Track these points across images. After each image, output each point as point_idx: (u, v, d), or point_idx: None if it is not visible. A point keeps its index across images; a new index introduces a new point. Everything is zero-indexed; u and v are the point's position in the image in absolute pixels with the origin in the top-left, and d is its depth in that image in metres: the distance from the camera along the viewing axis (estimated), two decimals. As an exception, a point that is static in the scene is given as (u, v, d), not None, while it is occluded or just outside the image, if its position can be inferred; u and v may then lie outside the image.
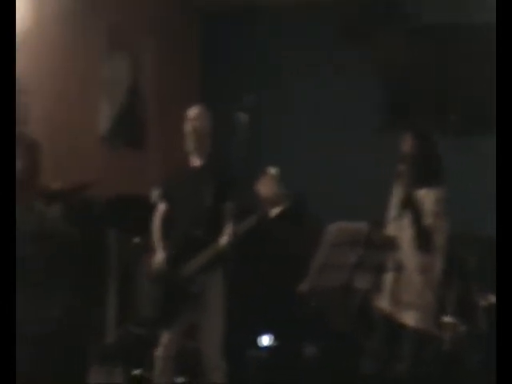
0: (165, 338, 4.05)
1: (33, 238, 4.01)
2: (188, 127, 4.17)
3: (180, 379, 4.40)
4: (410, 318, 3.73)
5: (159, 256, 4.12)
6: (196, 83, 6.79)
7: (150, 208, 4.57)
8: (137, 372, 4.47)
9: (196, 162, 4.21)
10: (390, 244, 3.68)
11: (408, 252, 3.75)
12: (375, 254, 3.58)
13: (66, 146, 5.13)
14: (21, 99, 3.83)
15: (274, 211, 4.20)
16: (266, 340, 4.64)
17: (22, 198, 3.83)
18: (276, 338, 4.62)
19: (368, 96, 5.73)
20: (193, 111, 4.21)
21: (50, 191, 4.09)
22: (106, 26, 5.79)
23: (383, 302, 3.81)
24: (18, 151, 3.93)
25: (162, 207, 4.32)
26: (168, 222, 4.27)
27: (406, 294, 3.74)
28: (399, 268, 3.72)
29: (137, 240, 4.77)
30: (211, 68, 6.77)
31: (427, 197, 3.77)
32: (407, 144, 3.93)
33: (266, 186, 5.19)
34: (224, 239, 3.94)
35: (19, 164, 3.92)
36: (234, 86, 6.13)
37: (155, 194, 4.96)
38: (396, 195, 3.91)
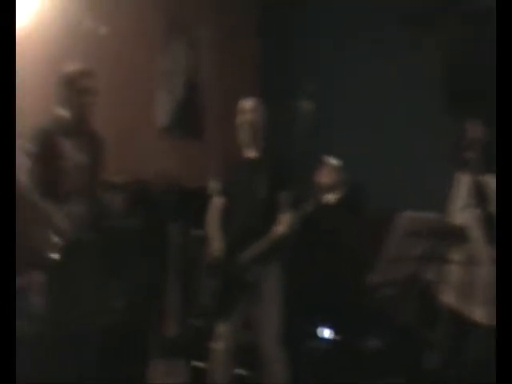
0: (223, 330, 4.07)
1: (98, 230, 4.08)
2: (241, 119, 4.19)
3: (239, 371, 4.39)
4: (480, 315, 3.63)
5: (215, 246, 4.15)
6: (255, 73, 6.76)
7: (209, 199, 4.60)
8: (197, 364, 4.49)
9: (251, 153, 4.22)
10: (460, 235, 3.57)
11: (478, 244, 3.65)
12: (444, 245, 3.50)
13: (127, 139, 5.20)
14: (86, 98, 4.01)
15: (331, 198, 4.18)
16: (326, 332, 4.59)
17: (88, 191, 4.02)
18: (337, 330, 4.58)
19: (431, 83, 5.59)
20: (246, 103, 4.22)
21: (113, 184, 4.15)
22: (164, 17, 5.83)
23: (450, 297, 3.73)
24: (83, 146, 4.09)
25: (218, 199, 4.34)
26: (224, 213, 4.29)
27: (476, 289, 3.65)
28: (469, 260, 3.63)
29: (197, 232, 4.77)
30: (270, 57, 6.72)
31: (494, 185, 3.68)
32: (475, 130, 3.83)
33: (326, 176, 5.17)
34: (280, 228, 3.93)
35: (85, 158, 4.06)
36: (294, 74, 6.07)
37: (212, 185, 4.99)
38: (463, 183, 3.81)
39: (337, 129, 5.86)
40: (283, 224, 3.93)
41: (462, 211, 3.72)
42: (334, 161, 5.14)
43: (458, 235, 3.54)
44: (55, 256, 3.87)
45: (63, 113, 4.04)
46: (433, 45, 5.59)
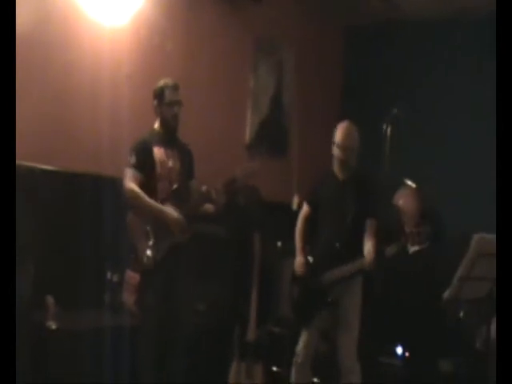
0: (303, 338, 4.27)
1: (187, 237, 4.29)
2: (336, 143, 4.34)
3: (316, 379, 4.55)
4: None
5: (300, 260, 4.35)
6: (337, 95, 6.95)
7: (292, 214, 4.79)
8: (275, 369, 4.67)
9: (341, 174, 4.38)
10: None
11: None
12: None
13: (215, 153, 5.46)
14: (175, 109, 4.26)
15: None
16: (400, 350, 4.71)
17: (181, 196, 4.24)
18: (412, 350, 4.69)
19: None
20: (342, 128, 4.36)
21: (202, 193, 4.37)
22: (252, 39, 6.10)
23: None
24: (175, 155, 4.35)
25: (304, 211, 4.53)
26: (311, 228, 4.48)
27: None
28: None
29: (279, 244, 4.98)
30: (353, 81, 6.89)
31: None
32: None
33: (406, 199, 5.31)
34: (365, 261, 4.06)
35: (177, 165, 4.31)
36: (376, 98, 6.22)
37: (296, 200, 5.20)
38: None
39: (416, 153, 5.98)
40: (368, 258, 4.06)
41: None
42: (412, 184, 5.31)
43: None
44: (150, 257, 4.12)
45: (156, 125, 4.34)
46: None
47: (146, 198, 4.17)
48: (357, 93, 6.74)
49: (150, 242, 4.14)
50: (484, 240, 3.51)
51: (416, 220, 5.07)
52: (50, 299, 4.37)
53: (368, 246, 4.11)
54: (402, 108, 4.68)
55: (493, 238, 3.54)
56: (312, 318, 4.25)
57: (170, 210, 4.18)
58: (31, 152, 4.35)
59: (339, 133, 4.35)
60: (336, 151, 4.33)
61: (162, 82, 4.36)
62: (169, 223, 4.15)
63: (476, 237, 3.51)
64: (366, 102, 6.33)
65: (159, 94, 4.31)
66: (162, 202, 4.23)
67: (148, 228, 4.16)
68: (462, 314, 4.24)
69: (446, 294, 3.60)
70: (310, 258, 4.35)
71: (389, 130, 4.57)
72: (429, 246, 4.89)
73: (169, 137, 4.35)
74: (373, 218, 4.22)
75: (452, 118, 6.05)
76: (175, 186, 4.27)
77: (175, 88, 4.34)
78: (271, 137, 6.29)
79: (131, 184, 4.18)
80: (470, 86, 5.97)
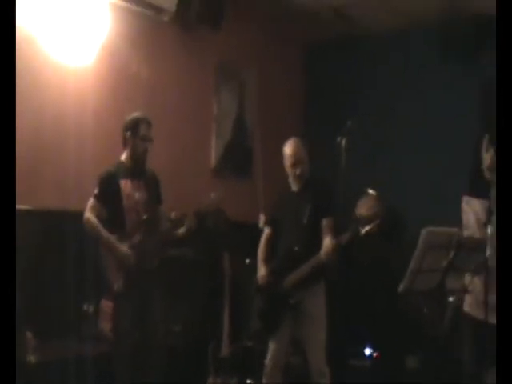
0: (271, 348, 4.42)
1: (158, 259, 4.49)
2: (286, 160, 4.57)
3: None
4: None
5: (262, 271, 4.54)
6: (300, 111, 7.14)
7: (259, 232, 4.97)
8: (249, 383, 4.83)
9: (295, 186, 4.59)
10: (479, 247, 3.65)
11: (492, 254, 3.68)
12: (465, 257, 3.64)
13: (183, 178, 5.63)
14: (147, 145, 4.42)
15: (369, 228, 4.48)
16: (368, 350, 4.87)
17: (149, 225, 4.38)
18: (378, 349, 4.84)
19: (472, 112, 5.82)
20: (289, 146, 4.59)
21: (171, 219, 4.53)
22: (214, 63, 6.28)
23: (472, 306, 3.84)
24: (141, 185, 4.47)
25: (266, 231, 4.73)
26: (272, 242, 4.66)
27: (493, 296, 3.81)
28: (487, 270, 3.64)
29: (248, 261, 5.15)
30: (314, 97, 7.10)
31: None
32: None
33: (366, 206, 5.50)
34: (321, 255, 4.25)
35: (144, 196, 4.45)
36: (337, 112, 6.41)
37: (262, 218, 5.39)
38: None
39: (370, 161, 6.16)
40: (324, 251, 4.25)
41: (479, 227, 3.83)
42: (373, 191, 5.49)
43: (477, 247, 3.63)
44: (120, 285, 4.29)
45: (123, 157, 4.49)
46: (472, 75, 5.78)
47: (100, 229, 4.31)
48: (319, 107, 6.95)
49: (120, 268, 4.29)
50: (432, 233, 3.60)
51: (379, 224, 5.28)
52: (29, 334, 4.52)
53: (325, 241, 4.30)
54: (358, 120, 4.88)
55: (440, 230, 3.68)
56: (278, 326, 4.39)
57: (121, 245, 4.31)
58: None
59: (287, 149, 4.58)
60: (287, 166, 4.56)
61: (136, 115, 4.48)
62: (118, 257, 4.30)
63: (424, 231, 3.59)
64: (328, 117, 6.52)
65: (133, 127, 4.43)
66: (132, 232, 4.37)
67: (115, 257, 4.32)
68: (420, 307, 4.30)
69: (401, 287, 3.64)
70: (271, 267, 4.52)
71: (343, 141, 4.77)
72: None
73: (136, 169, 4.49)
74: (328, 218, 4.41)
75: (410, 126, 6.26)
76: (144, 217, 4.41)
77: (149, 124, 4.48)
78: (236, 159, 6.48)
79: (89, 214, 4.33)
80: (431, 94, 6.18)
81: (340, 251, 4.26)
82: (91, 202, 4.36)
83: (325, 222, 4.41)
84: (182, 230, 4.53)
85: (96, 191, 4.37)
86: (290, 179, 4.61)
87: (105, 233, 4.31)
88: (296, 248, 4.38)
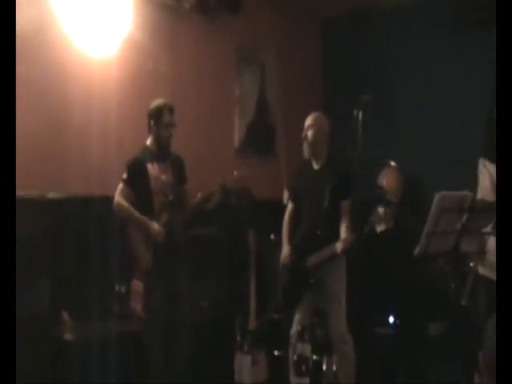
0: (296, 320, 4.56)
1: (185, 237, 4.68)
2: (305, 135, 4.64)
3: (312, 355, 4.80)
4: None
5: (285, 250, 4.67)
6: (318, 89, 7.21)
7: (283, 208, 5.10)
8: (277, 354, 4.98)
9: (314, 163, 4.67)
10: (492, 209, 3.60)
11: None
12: (479, 219, 3.70)
13: (207, 159, 5.77)
14: (171, 131, 4.57)
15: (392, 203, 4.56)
16: (391, 319, 4.96)
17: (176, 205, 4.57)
18: (401, 317, 4.93)
19: (483, 84, 5.82)
20: (309, 120, 4.65)
21: (195, 201, 4.68)
22: (234, 48, 6.40)
23: (487, 268, 3.89)
24: (167, 168, 4.64)
25: (289, 206, 4.85)
26: (295, 220, 4.78)
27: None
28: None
29: (272, 237, 5.28)
30: (331, 72, 7.15)
31: None
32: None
33: (389, 178, 5.60)
34: (341, 244, 4.31)
35: (170, 178, 4.62)
36: (354, 86, 6.41)
37: (286, 195, 5.52)
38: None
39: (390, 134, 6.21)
40: (341, 246, 4.31)
41: (493, 190, 3.84)
42: (394, 163, 5.58)
43: (488, 210, 3.66)
44: (149, 264, 4.49)
45: (148, 142, 4.66)
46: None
47: (132, 211, 4.51)
48: (337, 83, 6.98)
49: (149, 248, 4.48)
50: (445, 197, 3.66)
51: (400, 195, 5.38)
52: (65, 314, 4.76)
53: (343, 229, 4.38)
54: (374, 93, 4.95)
55: (453, 194, 3.72)
56: (300, 301, 4.54)
57: (152, 223, 4.49)
58: (34, 181, 4.69)
59: (307, 123, 4.64)
60: (306, 141, 4.62)
61: (159, 103, 4.60)
62: (151, 234, 4.48)
63: (438, 194, 3.65)
64: (346, 92, 6.53)
65: (156, 115, 4.56)
66: (160, 213, 4.55)
67: (145, 235, 4.49)
68: (442, 275, 4.34)
69: (416, 251, 3.71)
70: (294, 246, 4.65)
71: (360, 115, 4.84)
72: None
73: (162, 152, 4.64)
74: (347, 200, 4.46)
75: (429, 94, 6.29)
76: (170, 197, 4.57)
77: (171, 110, 4.60)
78: (259, 138, 6.58)
79: (119, 198, 4.52)
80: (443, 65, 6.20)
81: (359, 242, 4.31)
82: (120, 186, 4.54)
83: (343, 205, 4.46)
84: (209, 204, 4.67)
85: (124, 176, 4.54)
86: (309, 155, 4.66)
87: (136, 213, 4.50)
88: (318, 232, 4.43)
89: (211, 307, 5.29)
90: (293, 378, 4.51)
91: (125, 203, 4.52)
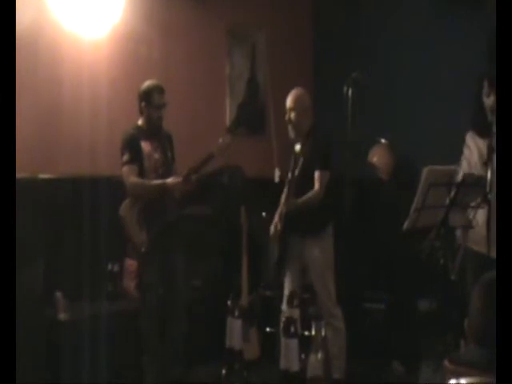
0: (287, 294, 4.56)
1: (176, 219, 4.70)
2: (289, 118, 4.64)
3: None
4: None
5: (272, 226, 4.69)
6: (308, 68, 7.17)
7: (274, 186, 5.14)
8: (269, 330, 5.02)
9: (295, 138, 4.66)
10: (480, 183, 3.67)
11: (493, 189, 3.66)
12: (467, 193, 3.69)
13: (198, 138, 5.75)
14: (161, 112, 4.62)
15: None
16: (381, 294, 5.03)
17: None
18: (392, 292, 4.99)
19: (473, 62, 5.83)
20: (290, 102, 4.64)
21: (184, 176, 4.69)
22: (225, 26, 6.38)
23: (474, 242, 3.86)
24: (159, 146, 4.68)
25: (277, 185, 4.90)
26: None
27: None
28: (488, 205, 3.66)
29: (264, 214, 5.32)
30: (322, 51, 7.09)
31: None
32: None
33: (380, 155, 5.64)
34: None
35: (161, 156, 4.67)
36: (344, 65, 6.42)
37: (277, 173, 5.56)
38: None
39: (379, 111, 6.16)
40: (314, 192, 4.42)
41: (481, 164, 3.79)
42: (384, 140, 5.62)
43: (476, 184, 3.67)
44: (144, 243, 4.52)
45: (140, 122, 4.69)
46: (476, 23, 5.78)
47: (147, 182, 4.56)
48: (327, 61, 6.95)
49: (143, 229, 4.53)
50: (433, 171, 3.69)
51: (391, 172, 5.42)
52: (58, 294, 4.81)
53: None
54: (363, 70, 4.95)
55: (441, 168, 3.78)
56: (285, 276, 4.61)
57: (167, 180, 4.56)
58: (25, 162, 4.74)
59: (288, 105, 4.64)
60: (291, 124, 4.63)
61: (149, 84, 4.64)
62: (171, 189, 4.54)
63: (426, 169, 3.69)
64: (337, 70, 6.55)
65: (147, 96, 4.60)
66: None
67: (140, 216, 4.55)
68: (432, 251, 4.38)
69: (405, 225, 3.74)
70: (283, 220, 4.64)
71: (349, 92, 4.86)
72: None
73: (153, 131, 4.68)
74: (323, 171, 4.47)
75: (420, 72, 6.28)
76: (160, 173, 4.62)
77: (162, 91, 4.63)
78: (249, 117, 6.60)
79: (131, 178, 4.54)
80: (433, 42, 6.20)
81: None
82: (126, 168, 4.56)
83: (316, 175, 4.47)
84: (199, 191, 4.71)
85: (126, 157, 4.56)
86: (290, 130, 4.66)
87: (152, 181, 4.57)
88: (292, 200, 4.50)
89: (205, 285, 5.34)
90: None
91: (138, 180, 4.56)
